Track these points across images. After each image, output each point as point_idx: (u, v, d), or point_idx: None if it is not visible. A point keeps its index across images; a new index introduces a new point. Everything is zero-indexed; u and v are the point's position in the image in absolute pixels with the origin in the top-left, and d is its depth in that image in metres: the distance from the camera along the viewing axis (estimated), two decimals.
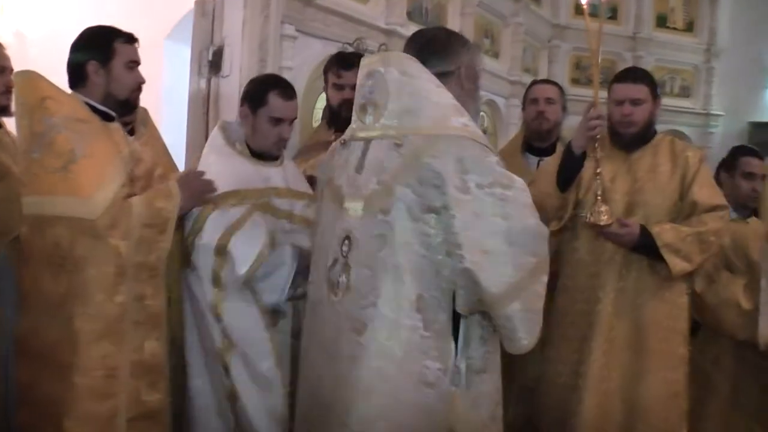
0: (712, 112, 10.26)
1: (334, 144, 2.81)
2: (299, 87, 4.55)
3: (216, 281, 3.24)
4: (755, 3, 10.11)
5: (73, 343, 2.87)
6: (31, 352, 3.01)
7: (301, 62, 5.04)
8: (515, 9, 8.20)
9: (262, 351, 3.27)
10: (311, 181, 3.55)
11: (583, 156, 3.53)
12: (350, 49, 4.95)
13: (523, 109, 4.60)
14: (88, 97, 3.16)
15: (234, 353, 3.24)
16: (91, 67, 3.14)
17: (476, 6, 7.39)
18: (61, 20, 6.41)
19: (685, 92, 10.23)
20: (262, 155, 3.50)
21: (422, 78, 2.54)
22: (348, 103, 3.09)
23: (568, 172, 3.59)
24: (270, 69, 4.65)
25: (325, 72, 4.30)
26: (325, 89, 4.32)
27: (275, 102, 3.43)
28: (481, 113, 7.70)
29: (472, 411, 2.48)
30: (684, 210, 3.70)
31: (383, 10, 5.91)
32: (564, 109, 4.53)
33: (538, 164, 4.35)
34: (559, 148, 4.27)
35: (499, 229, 2.36)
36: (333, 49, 5.23)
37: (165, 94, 6.57)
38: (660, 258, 3.58)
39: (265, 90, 3.45)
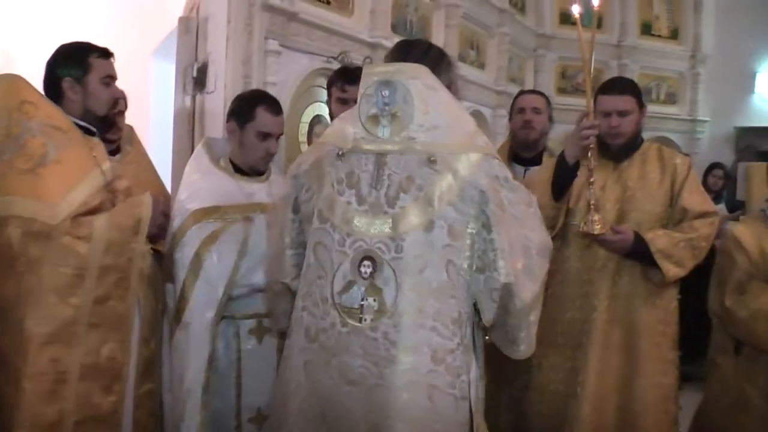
0: (699, 118, 10.36)
1: (316, 155, 2.62)
2: (284, 102, 4.56)
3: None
4: (739, 9, 10.17)
5: (24, 346, 2.80)
6: None
7: (286, 77, 5.02)
8: (500, 20, 8.24)
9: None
10: None
11: (577, 165, 3.53)
12: (335, 63, 4.96)
13: (510, 119, 4.60)
14: (66, 114, 3.08)
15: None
16: (67, 83, 3.07)
17: (461, 17, 7.43)
18: (47, 39, 6.38)
19: (671, 99, 10.31)
20: (247, 171, 3.49)
21: (443, 91, 2.52)
22: None
23: (562, 182, 3.58)
24: (254, 84, 4.64)
25: (329, 86, 4.26)
26: (329, 103, 4.28)
27: (263, 117, 3.41)
28: None
29: (480, 417, 2.52)
30: (674, 216, 3.71)
31: (367, 24, 5.91)
32: (550, 119, 4.54)
33: (525, 174, 4.36)
34: (546, 158, 4.28)
35: (530, 243, 2.49)
36: (317, 63, 5.25)
37: (152, 111, 6.58)
38: (653, 264, 3.58)
39: (252, 105, 3.43)
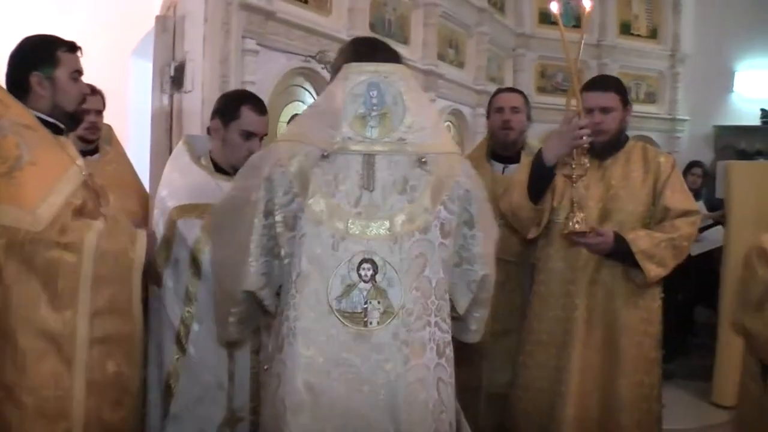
0: (678, 116, 10.41)
1: (290, 154, 2.46)
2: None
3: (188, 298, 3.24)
4: (718, 9, 10.22)
5: (20, 360, 2.69)
6: None
7: (264, 76, 4.99)
8: (479, 19, 8.24)
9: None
10: None
11: (554, 166, 3.52)
12: (313, 63, 4.95)
13: (488, 117, 4.59)
14: (33, 110, 2.91)
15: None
16: (35, 78, 2.90)
17: (439, 17, 7.43)
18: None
19: (650, 98, 10.36)
20: (228, 170, 3.44)
21: (423, 93, 2.57)
22: None
23: (540, 184, 3.59)
24: (232, 84, 4.62)
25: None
26: None
27: (248, 116, 3.38)
28: (448, 123, 7.74)
29: None
30: (656, 215, 3.71)
31: (346, 23, 5.89)
32: (529, 117, 4.54)
33: (504, 171, 4.36)
34: (524, 156, 4.28)
35: (495, 236, 2.68)
36: (296, 62, 5.23)
37: (131, 111, 6.56)
38: (635, 264, 3.58)
39: (238, 104, 3.40)
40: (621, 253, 3.58)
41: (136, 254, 2.95)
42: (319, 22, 5.52)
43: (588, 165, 3.42)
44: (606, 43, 9.70)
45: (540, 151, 3.55)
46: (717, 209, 7.12)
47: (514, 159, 4.38)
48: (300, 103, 5.33)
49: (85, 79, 3.10)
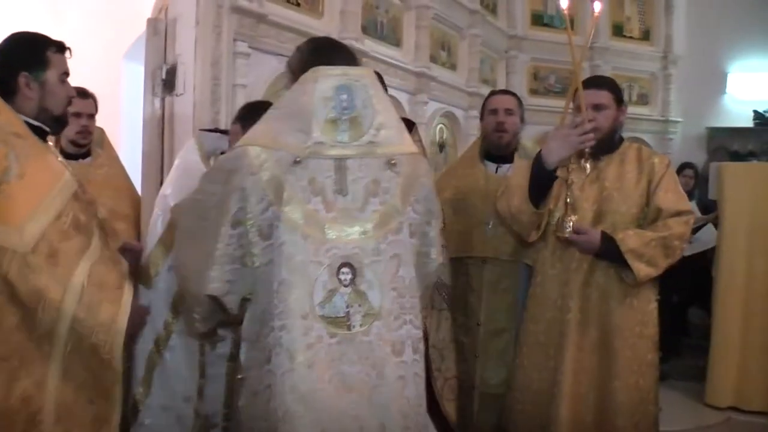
0: (671, 118, 10.43)
1: (252, 159, 2.40)
2: None
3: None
4: (710, 10, 10.24)
5: None
6: None
7: (255, 79, 4.99)
8: (471, 21, 8.25)
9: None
10: None
11: (555, 169, 3.50)
12: None
13: (482, 119, 4.58)
14: (18, 113, 2.73)
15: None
16: (23, 79, 2.72)
17: (432, 19, 7.43)
18: None
19: (643, 100, 10.38)
20: None
21: (385, 94, 2.57)
22: None
23: (541, 188, 3.56)
24: (224, 87, 4.62)
25: None
26: None
27: None
28: (440, 125, 7.74)
29: None
30: (649, 216, 3.70)
31: (338, 25, 5.88)
32: (522, 119, 4.53)
33: (497, 170, 4.34)
34: (517, 158, 4.27)
35: (441, 225, 2.81)
36: None
37: (123, 114, 6.55)
38: (625, 264, 3.57)
39: (260, 114, 3.41)
40: (610, 253, 3.57)
41: (114, 343, 2.61)
42: (310, 25, 5.50)
43: (588, 169, 3.43)
44: (598, 45, 9.70)
45: (539, 155, 3.52)
46: (710, 211, 7.12)
47: (508, 159, 4.37)
48: None
49: (78, 82, 3.04)
